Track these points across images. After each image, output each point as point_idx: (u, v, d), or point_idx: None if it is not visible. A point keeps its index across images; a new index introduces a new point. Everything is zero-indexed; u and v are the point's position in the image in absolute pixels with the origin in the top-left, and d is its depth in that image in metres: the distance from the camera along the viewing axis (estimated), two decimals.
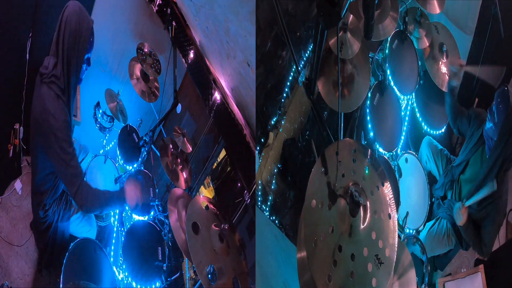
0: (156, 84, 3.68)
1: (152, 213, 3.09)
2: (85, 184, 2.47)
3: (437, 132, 3.30)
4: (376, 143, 2.63)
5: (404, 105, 3.12)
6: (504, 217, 2.70)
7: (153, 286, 2.65)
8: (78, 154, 3.07)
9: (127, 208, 2.78)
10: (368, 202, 1.51)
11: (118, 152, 3.38)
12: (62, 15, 2.38)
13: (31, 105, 2.43)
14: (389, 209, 1.59)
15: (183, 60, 3.44)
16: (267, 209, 2.69)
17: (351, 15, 2.39)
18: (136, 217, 3.05)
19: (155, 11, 3.55)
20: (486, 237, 2.66)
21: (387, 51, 2.87)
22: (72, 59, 2.38)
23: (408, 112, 3.19)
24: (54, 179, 2.61)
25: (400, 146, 2.91)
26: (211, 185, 3.46)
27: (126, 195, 2.65)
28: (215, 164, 3.45)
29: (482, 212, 2.68)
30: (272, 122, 2.82)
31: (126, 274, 2.68)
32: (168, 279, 2.69)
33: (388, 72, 2.84)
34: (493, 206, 2.64)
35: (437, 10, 3.11)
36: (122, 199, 2.64)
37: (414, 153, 3.09)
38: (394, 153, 2.90)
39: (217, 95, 2.95)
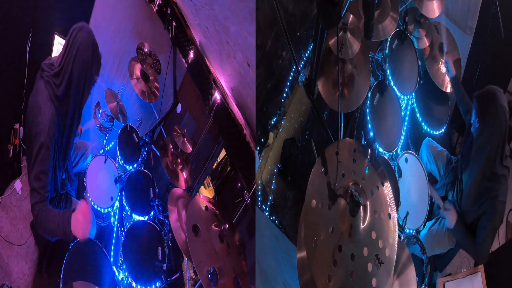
0: (156, 84, 3.68)
1: (152, 213, 3.09)
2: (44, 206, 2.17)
3: (437, 132, 3.30)
4: (376, 143, 2.62)
5: (404, 105, 3.12)
6: (501, 220, 2.68)
7: (153, 286, 2.65)
8: (77, 151, 3.08)
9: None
10: (368, 202, 1.51)
11: (118, 152, 3.38)
12: (72, 35, 2.23)
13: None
14: (389, 209, 1.60)
15: (183, 60, 3.44)
16: (267, 209, 2.69)
17: (351, 15, 2.39)
18: (136, 217, 3.05)
19: (155, 11, 3.55)
20: (480, 235, 2.63)
21: (387, 51, 2.86)
22: (80, 80, 2.27)
23: (408, 112, 3.19)
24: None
25: (400, 146, 2.91)
26: (211, 185, 3.45)
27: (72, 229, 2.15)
28: (215, 164, 3.45)
29: (479, 211, 2.68)
30: (272, 122, 2.82)
31: (126, 274, 2.68)
32: (168, 279, 2.69)
33: (388, 72, 2.84)
34: (489, 204, 2.63)
35: (435, 13, 3.11)
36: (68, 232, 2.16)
37: (414, 153, 3.09)
38: (394, 153, 2.90)
39: (217, 95, 2.95)
